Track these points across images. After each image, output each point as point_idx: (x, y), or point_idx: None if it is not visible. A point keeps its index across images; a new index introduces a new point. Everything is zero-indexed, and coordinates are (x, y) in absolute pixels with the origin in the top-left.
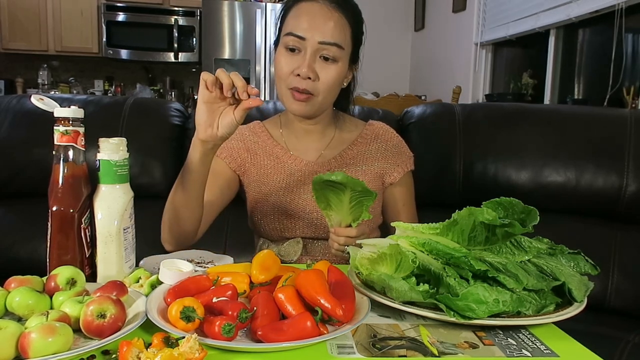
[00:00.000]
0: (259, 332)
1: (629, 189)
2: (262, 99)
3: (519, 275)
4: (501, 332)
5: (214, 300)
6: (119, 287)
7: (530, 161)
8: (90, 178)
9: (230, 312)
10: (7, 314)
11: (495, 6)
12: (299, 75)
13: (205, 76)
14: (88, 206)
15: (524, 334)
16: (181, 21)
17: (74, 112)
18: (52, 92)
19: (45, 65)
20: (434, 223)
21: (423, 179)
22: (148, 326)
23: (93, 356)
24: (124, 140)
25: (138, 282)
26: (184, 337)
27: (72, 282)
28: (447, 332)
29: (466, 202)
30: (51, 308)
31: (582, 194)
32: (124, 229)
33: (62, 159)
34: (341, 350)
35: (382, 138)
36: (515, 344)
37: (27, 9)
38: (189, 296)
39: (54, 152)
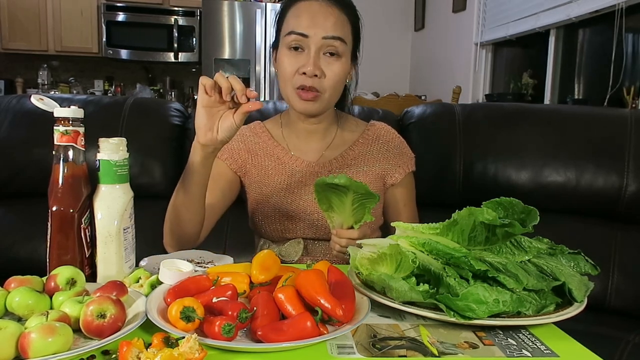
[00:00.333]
0: (259, 332)
1: (629, 189)
2: (262, 99)
3: (519, 275)
4: (501, 332)
5: (214, 300)
6: (119, 287)
7: (530, 161)
8: (90, 178)
9: (230, 312)
10: (7, 314)
11: (495, 6)
12: (304, 73)
13: (204, 80)
14: (88, 206)
15: (524, 334)
16: (181, 21)
17: (74, 112)
18: (52, 92)
19: (45, 65)
20: (434, 223)
21: (423, 179)
22: (148, 326)
23: (93, 356)
24: (123, 140)
25: (138, 282)
26: (184, 337)
27: (72, 282)
28: (447, 332)
29: (466, 202)
30: (51, 308)
31: (582, 194)
32: (124, 229)
33: (62, 159)
34: (341, 351)
35: (384, 139)
36: (515, 344)
37: (27, 9)
38: (189, 296)
39: (53, 152)
